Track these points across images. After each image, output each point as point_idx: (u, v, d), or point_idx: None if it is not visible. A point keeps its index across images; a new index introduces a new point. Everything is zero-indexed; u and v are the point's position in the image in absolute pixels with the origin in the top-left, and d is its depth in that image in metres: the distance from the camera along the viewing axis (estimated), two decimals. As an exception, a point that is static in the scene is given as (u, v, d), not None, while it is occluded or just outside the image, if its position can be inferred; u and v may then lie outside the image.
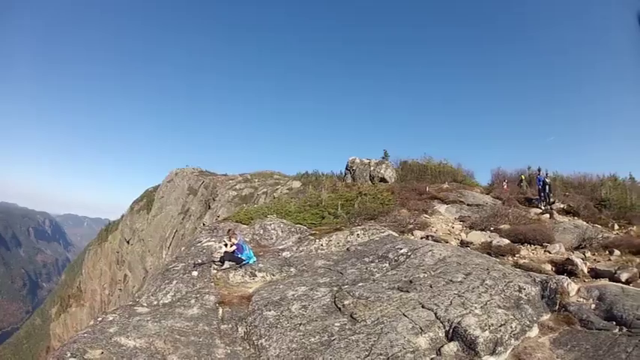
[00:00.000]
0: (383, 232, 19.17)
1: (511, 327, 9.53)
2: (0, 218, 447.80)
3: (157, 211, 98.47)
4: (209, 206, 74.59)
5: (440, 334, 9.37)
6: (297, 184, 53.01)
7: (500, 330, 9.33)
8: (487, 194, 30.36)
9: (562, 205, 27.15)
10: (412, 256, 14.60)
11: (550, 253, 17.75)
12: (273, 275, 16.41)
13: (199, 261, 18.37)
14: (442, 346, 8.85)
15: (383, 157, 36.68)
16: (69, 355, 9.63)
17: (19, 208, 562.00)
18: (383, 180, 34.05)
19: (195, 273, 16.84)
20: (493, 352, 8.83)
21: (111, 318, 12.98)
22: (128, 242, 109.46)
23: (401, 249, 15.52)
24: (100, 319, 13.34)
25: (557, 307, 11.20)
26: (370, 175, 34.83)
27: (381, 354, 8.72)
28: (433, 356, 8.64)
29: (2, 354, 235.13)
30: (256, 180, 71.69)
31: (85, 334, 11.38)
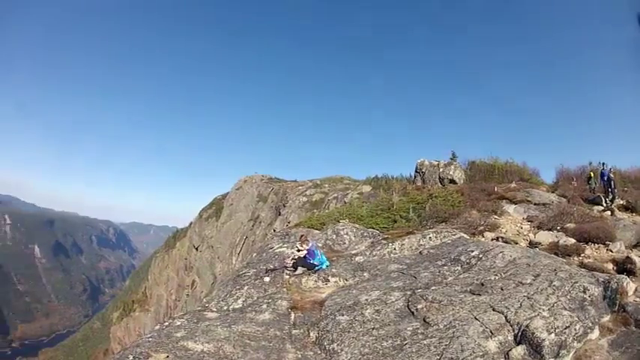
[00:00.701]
0: (454, 235, 19.30)
1: (575, 329, 9.61)
2: (60, 227, 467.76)
3: (226, 218, 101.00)
4: (279, 212, 75.79)
5: (509, 338, 9.53)
6: (367, 189, 53.44)
7: (564, 332, 9.44)
8: (552, 192, 30.09)
9: (622, 201, 27.09)
10: (483, 259, 14.79)
11: (612, 251, 17.61)
12: (347, 280, 16.73)
13: (271, 267, 18.95)
14: (510, 350, 9.04)
15: (451, 159, 36.73)
16: (131, 358, 10.27)
17: (80, 217, 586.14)
18: (452, 181, 34.14)
19: (267, 279, 17.43)
20: (557, 356, 8.96)
21: (178, 323, 13.79)
22: (197, 249, 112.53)
23: (472, 251, 15.69)
24: (166, 323, 14.08)
25: (617, 307, 11.21)
26: (439, 177, 34.91)
27: (452, 358, 8.91)
28: None
29: (54, 355, 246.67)
30: (326, 185, 73.05)
31: (150, 339, 12.16)
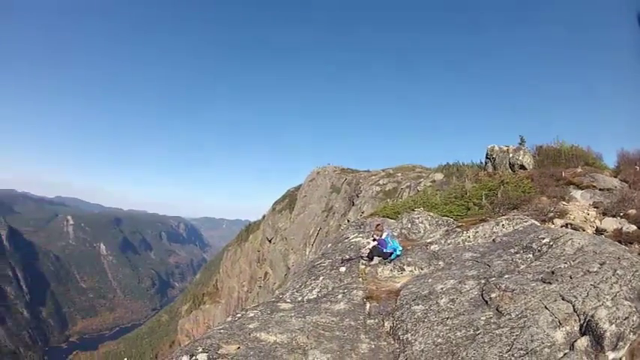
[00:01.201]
0: (526, 222, 19.18)
1: (632, 320, 9.18)
2: (127, 225, 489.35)
3: (299, 209, 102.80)
4: (353, 203, 76.61)
5: (575, 328, 9.39)
6: (439, 176, 53.71)
7: (623, 324, 9.08)
8: (615, 177, 29.30)
9: (681, 185, 26.17)
10: (554, 246, 14.64)
11: (671, 238, 17.20)
12: (422, 269, 16.83)
13: (347, 257, 19.20)
14: (575, 341, 8.89)
15: (519, 143, 36.49)
16: (200, 350, 10.61)
17: (149, 214, 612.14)
18: (522, 167, 33.87)
19: (342, 269, 17.72)
20: (615, 348, 8.73)
21: (252, 314, 14.13)
22: (270, 241, 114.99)
23: (543, 239, 15.54)
24: (239, 315, 14.49)
25: (671, 297, 10.88)
26: (509, 163, 34.74)
27: (521, 349, 8.91)
28: (566, 351, 8.72)
29: (115, 348, 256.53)
30: (399, 174, 73.14)
31: (222, 330, 12.55)
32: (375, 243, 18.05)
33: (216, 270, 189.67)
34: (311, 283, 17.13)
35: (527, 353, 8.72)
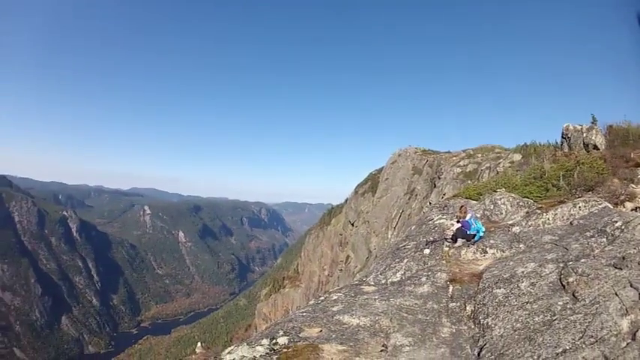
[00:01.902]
0: (600, 204, 19.03)
1: None
2: (207, 212, 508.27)
3: (382, 192, 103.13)
4: (434, 185, 77.05)
5: (639, 317, 8.98)
6: (517, 157, 53.78)
7: None
8: None
9: None
10: (625, 230, 14.56)
11: None
12: (503, 252, 17.01)
13: (431, 239, 19.56)
14: (637, 331, 8.56)
15: (592, 123, 35.99)
16: (281, 333, 11.01)
17: (230, 201, 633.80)
18: (595, 147, 33.45)
19: (427, 251, 18.05)
20: None
21: (335, 297, 14.51)
22: (352, 224, 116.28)
23: (616, 222, 15.44)
24: (322, 297, 14.90)
25: None
26: (583, 143, 34.38)
27: (591, 336, 8.78)
28: (629, 341, 8.40)
29: (188, 332, 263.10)
30: (479, 155, 73.23)
31: (305, 313, 12.95)
32: (459, 225, 18.50)
33: (298, 254, 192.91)
34: (395, 266, 17.69)
35: (596, 341, 8.71)
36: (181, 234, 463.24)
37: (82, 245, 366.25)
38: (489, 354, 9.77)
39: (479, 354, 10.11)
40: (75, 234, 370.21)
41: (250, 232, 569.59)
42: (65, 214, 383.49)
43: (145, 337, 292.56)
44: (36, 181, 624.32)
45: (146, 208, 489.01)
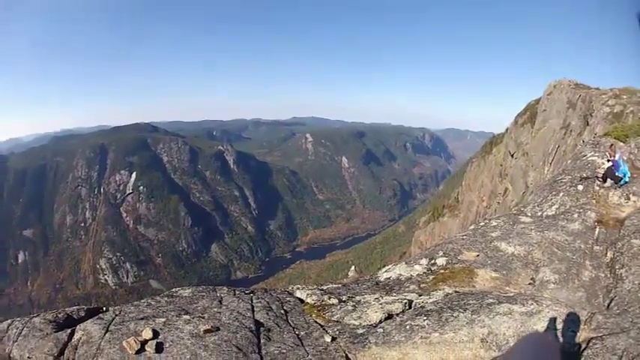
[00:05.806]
0: None
1: None
2: (371, 137, 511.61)
3: (540, 124, 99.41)
4: (587, 122, 73.04)
5: None
6: None
7: None
8: None
9: None
10: None
11: None
12: None
13: (584, 175, 19.53)
14: None
15: None
16: (441, 254, 11.39)
17: (393, 126, 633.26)
18: None
19: (580, 187, 18.14)
20: None
21: (494, 223, 14.91)
22: (512, 156, 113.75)
23: None
24: (482, 223, 15.35)
25: None
26: None
27: None
28: None
29: (342, 257, 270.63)
30: (624, 96, 67.00)
31: (465, 237, 13.34)
32: (610, 164, 18.44)
33: (459, 182, 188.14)
34: (551, 199, 17.95)
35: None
36: (344, 159, 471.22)
37: (240, 175, 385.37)
38: (616, 307, 9.80)
39: (608, 305, 10.19)
40: (232, 166, 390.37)
41: (414, 157, 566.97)
42: (221, 148, 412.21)
43: (298, 262, 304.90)
44: (186, 122, 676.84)
45: (308, 135, 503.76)
